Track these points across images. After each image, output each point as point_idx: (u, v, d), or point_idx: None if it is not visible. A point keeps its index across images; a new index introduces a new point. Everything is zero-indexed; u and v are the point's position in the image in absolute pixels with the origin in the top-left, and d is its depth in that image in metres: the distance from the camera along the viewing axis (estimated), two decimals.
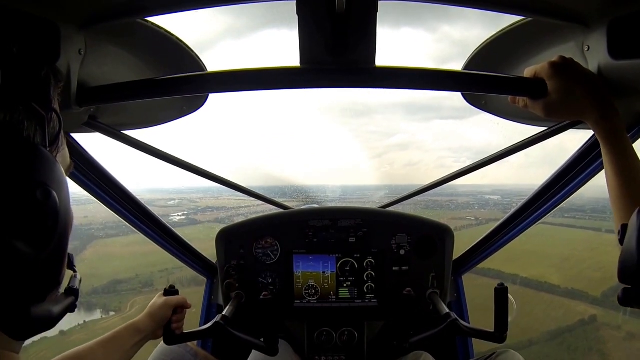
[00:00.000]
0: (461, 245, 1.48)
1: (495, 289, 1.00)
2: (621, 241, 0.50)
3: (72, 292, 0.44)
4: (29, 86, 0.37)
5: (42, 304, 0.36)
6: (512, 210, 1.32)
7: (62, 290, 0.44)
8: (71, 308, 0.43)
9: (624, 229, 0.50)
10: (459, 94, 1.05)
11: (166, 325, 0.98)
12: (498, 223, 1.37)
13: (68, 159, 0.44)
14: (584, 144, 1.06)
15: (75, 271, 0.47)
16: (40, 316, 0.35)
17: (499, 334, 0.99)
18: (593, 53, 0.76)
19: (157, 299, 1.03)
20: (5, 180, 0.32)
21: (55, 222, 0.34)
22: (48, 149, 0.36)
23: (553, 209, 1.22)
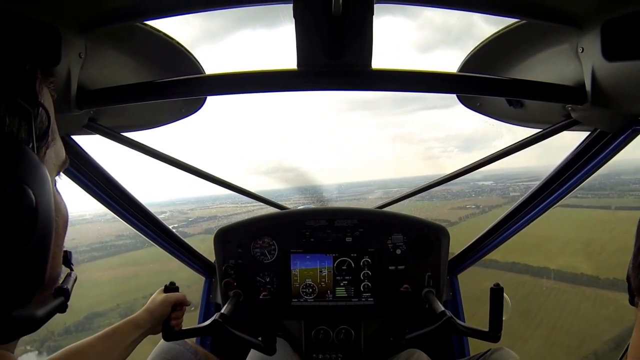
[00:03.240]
0: (470, 236, 1.46)
1: (491, 289, 1.01)
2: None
3: (62, 292, 0.42)
4: (11, 81, 0.35)
5: (27, 304, 0.35)
6: (507, 211, 1.33)
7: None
8: (60, 308, 0.41)
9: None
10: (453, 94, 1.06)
11: (165, 322, 0.99)
12: (492, 223, 1.38)
13: (62, 155, 0.43)
14: (582, 143, 1.06)
15: (71, 269, 0.46)
16: (21, 318, 0.34)
17: (494, 333, 0.99)
18: (587, 55, 0.77)
19: (157, 295, 1.04)
20: None
21: (32, 219, 0.33)
22: (35, 145, 0.35)
23: (549, 207, 1.22)
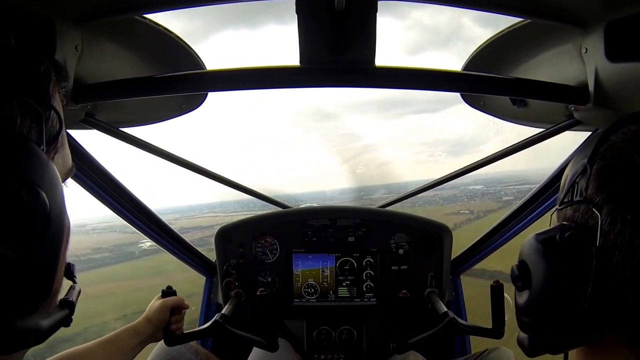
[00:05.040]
0: (468, 242, 1.46)
1: (491, 286, 1.01)
2: (522, 286, 0.42)
3: (67, 304, 0.41)
4: (25, 81, 0.35)
5: (31, 315, 0.33)
6: (510, 210, 1.33)
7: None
8: (65, 322, 0.40)
9: (522, 269, 0.42)
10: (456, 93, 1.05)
11: (165, 327, 0.98)
12: (496, 223, 1.38)
13: (69, 162, 0.42)
14: (582, 144, 1.07)
15: (75, 282, 0.45)
16: (26, 329, 0.32)
17: (497, 329, 1.00)
18: (590, 55, 0.77)
19: (155, 301, 1.02)
20: None
21: (44, 225, 0.31)
22: (45, 148, 0.34)
23: (552, 207, 1.22)
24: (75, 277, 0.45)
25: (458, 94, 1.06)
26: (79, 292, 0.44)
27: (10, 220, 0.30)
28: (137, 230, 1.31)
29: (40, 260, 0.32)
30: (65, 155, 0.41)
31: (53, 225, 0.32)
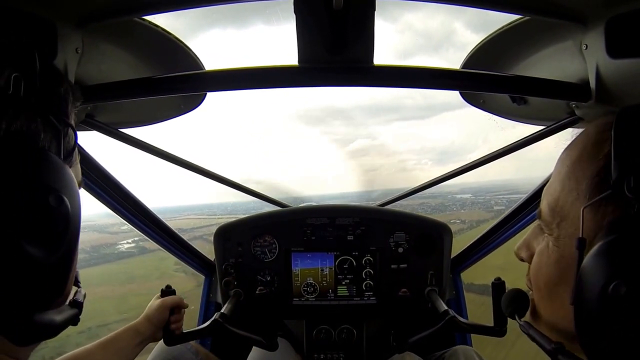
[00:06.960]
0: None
1: (493, 283, 1.00)
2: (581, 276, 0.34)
3: (76, 304, 0.44)
4: (49, 99, 0.38)
5: (46, 311, 0.36)
6: (512, 208, 1.32)
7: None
8: (73, 320, 0.43)
9: (582, 246, 0.35)
10: (454, 91, 1.05)
11: (165, 327, 0.98)
12: (497, 221, 1.37)
13: (80, 174, 0.46)
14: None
15: (79, 286, 0.48)
16: (42, 323, 0.35)
17: (499, 327, 0.99)
18: (591, 52, 0.76)
19: (154, 301, 1.03)
20: (20, 185, 0.33)
21: (65, 228, 0.35)
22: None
23: None
24: (79, 282, 0.49)
25: (457, 94, 1.05)
26: (84, 295, 0.48)
27: (39, 223, 0.34)
28: (134, 230, 1.32)
29: (60, 260, 0.35)
30: (77, 169, 0.45)
31: (72, 228, 0.37)
